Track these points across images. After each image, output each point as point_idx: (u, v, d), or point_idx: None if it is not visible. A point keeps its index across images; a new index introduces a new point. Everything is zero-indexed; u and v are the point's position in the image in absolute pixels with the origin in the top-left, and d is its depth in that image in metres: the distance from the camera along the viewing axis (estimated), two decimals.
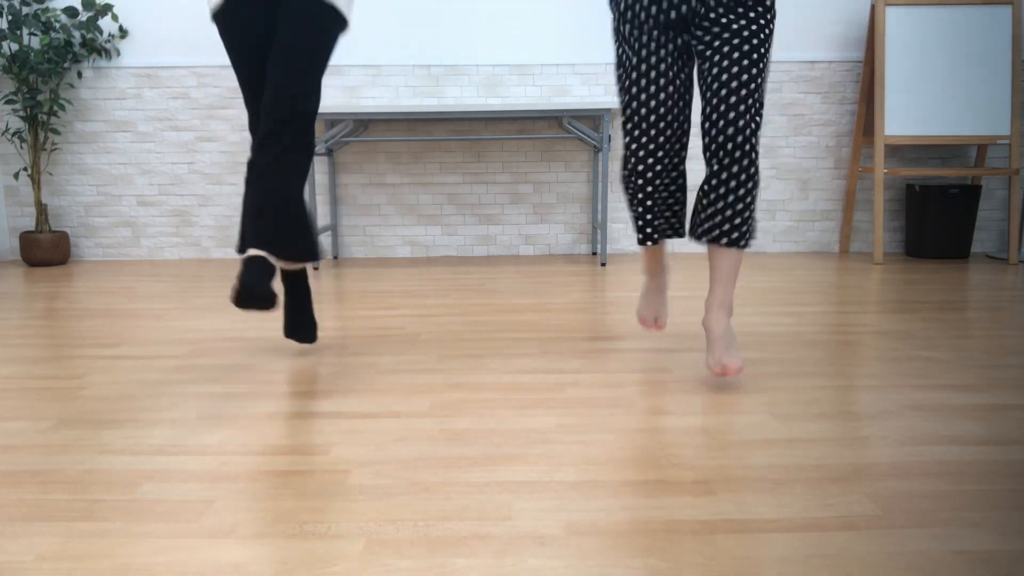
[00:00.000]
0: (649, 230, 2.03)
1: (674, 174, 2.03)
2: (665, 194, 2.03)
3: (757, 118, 1.88)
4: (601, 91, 4.13)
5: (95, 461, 1.48)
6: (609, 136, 3.75)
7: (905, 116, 3.83)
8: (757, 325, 2.55)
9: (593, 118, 4.11)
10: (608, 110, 3.73)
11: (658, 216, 2.03)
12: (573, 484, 1.36)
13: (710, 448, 1.52)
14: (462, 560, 1.11)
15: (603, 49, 4.11)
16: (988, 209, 4.26)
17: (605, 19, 4.09)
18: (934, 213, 3.99)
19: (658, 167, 1.96)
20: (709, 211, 1.94)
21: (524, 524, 1.22)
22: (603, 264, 3.86)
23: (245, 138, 4.15)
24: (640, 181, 1.97)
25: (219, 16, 2.05)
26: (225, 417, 1.73)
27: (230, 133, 4.15)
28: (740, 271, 3.16)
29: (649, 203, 2.00)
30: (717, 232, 1.93)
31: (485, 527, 1.21)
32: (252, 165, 1.99)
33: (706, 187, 1.93)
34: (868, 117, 4.04)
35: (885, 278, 3.43)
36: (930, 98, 3.83)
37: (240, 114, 4.15)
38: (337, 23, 2.04)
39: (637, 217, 2.04)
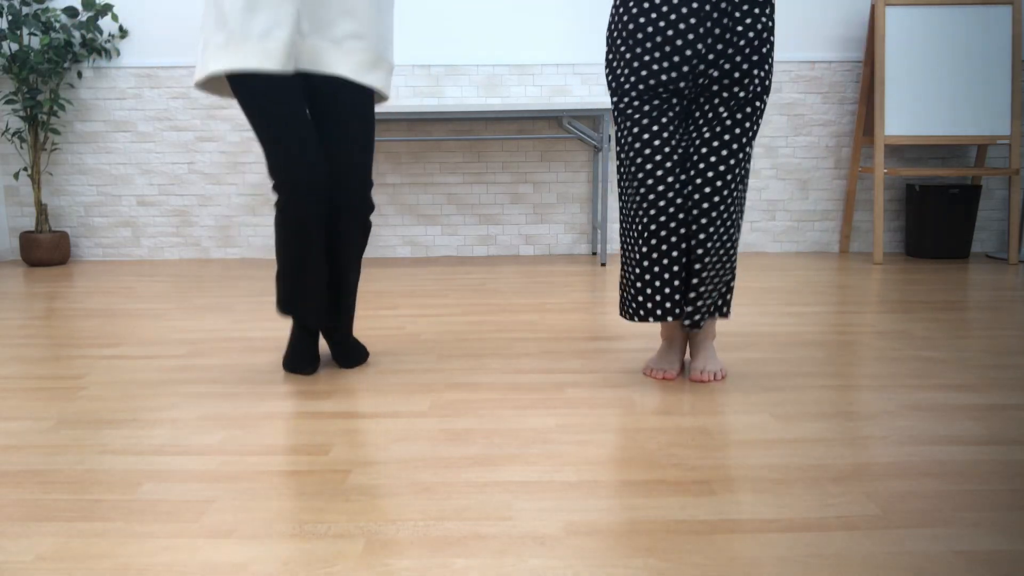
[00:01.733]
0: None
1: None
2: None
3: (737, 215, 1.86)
4: (601, 91, 4.13)
5: (95, 461, 1.48)
6: (609, 136, 3.74)
7: (905, 116, 3.83)
8: (757, 325, 2.55)
9: (593, 118, 4.10)
10: (608, 110, 3.73)
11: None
12: (573, 484, 1.36)
13: (710, 448, 1.52)
14: (462, 560, 1.11)
15: (603, 49, 4.11)
16: (988, 209, 4.26)
17: (605, 19, 4.09)
18: (934, 213, 3.99)
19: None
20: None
21: (524, 524, 1.22)
22: (603, 264, 3.86)
23: (245, 138, 4.15)
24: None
25: (245, 78, 1.83)
26: (225, 417, 1.73)
27: (230, 133, 4.15)
28: (739, 271, 3.14)
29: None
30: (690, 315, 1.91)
31: (485, 527, 1.21)
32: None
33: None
34: (868, 117, 4.04)
35: (885, 278, 3.43)
36: (930, 98, 3.83)
37: (240, 113, 4.15)
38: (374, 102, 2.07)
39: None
